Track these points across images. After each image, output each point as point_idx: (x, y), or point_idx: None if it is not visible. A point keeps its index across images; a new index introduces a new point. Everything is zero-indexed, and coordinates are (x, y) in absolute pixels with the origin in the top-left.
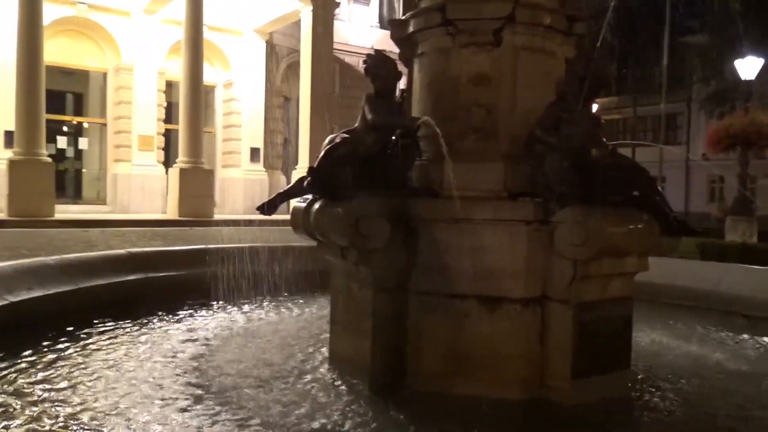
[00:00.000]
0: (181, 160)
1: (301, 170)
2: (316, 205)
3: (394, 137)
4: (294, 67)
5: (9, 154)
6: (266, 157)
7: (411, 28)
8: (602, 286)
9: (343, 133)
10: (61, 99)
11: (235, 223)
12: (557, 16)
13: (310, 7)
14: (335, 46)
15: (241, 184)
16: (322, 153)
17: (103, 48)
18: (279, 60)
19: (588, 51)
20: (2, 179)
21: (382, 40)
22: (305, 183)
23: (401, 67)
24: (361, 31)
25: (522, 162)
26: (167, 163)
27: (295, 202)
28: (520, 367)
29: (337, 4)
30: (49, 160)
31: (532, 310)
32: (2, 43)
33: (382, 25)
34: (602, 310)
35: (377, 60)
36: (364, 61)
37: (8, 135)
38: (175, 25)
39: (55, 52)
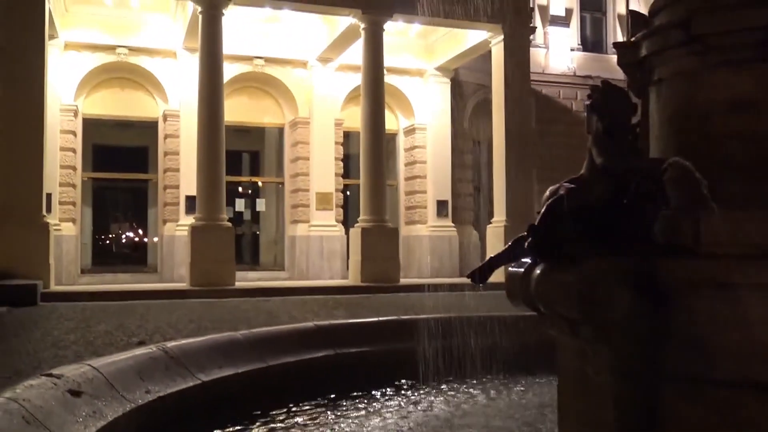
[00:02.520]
0: (363, 218)
1: (496, 224)
2: (538, 270)
3: (630, 183)
4: (483, 106)
5: (190, 220)
6: (455, 211)
7: (644, 51)
8: None
9: (567, 182)
10: (237, 159)
11: (428, 288)
12: None
13: (501, 37)
14: (531, 76)
15: (427, 242)
16: (544, 208)
17: (279, 102)
18: (466, 99)
19: None
20: (184, 247)
21: (586, 65)
22: (526, 244)
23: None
24: (560, 57)
25: None
26: (347, 222)
27: (510, 266)
28: None
29: (533, 30)
30: (230, 225)
31: None
32: (185, 107)
33: (585, 47)
34: None
35: (606, 92)
36: (589, 95)
37: (190, 200)
38: (352, 72)
39: (232, 110)
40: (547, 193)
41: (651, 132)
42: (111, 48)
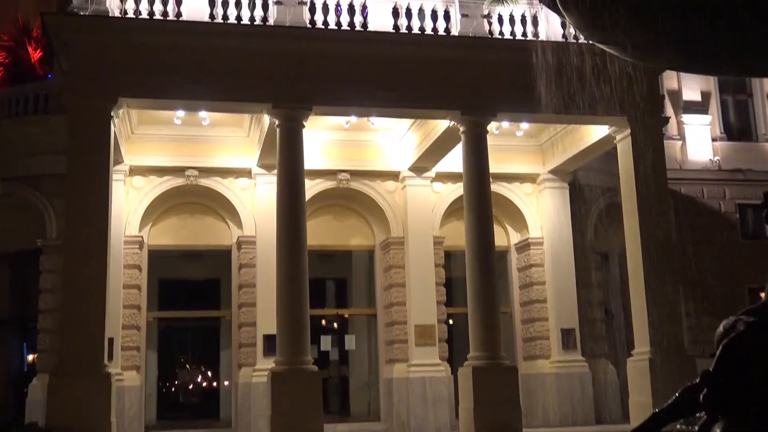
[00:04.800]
0: (473, 355)
1: (638, 357)
2: (718, 430)
3: None
4: (611, 213)
5: (269, 363)
6: (584, 341)
7: None
8: None
9: (745, 314)
10: (321, 288)
11: None
12: None
13: (627, 131)
14: (667, 173)
15: (552, 381)
16: (720, 350)
17: (367, 220)
18: (589, 205)
19: None
20: (262, 396)
21: (732, 157)
22: (701, 396)
23: None
24: (699, 149)
25: None
26: (453, 359)
27: (680, 425)
28: None
29: (666, 120)
30: (315, 368)
31: None
32: (262, 232)
33: (729, 135)
34: None
35: None
36: (764, 203)
37: (268, 340)
38: (452, 182)
39: (314, 233)
40: (721, 328)
41: None
42: (180, 170)
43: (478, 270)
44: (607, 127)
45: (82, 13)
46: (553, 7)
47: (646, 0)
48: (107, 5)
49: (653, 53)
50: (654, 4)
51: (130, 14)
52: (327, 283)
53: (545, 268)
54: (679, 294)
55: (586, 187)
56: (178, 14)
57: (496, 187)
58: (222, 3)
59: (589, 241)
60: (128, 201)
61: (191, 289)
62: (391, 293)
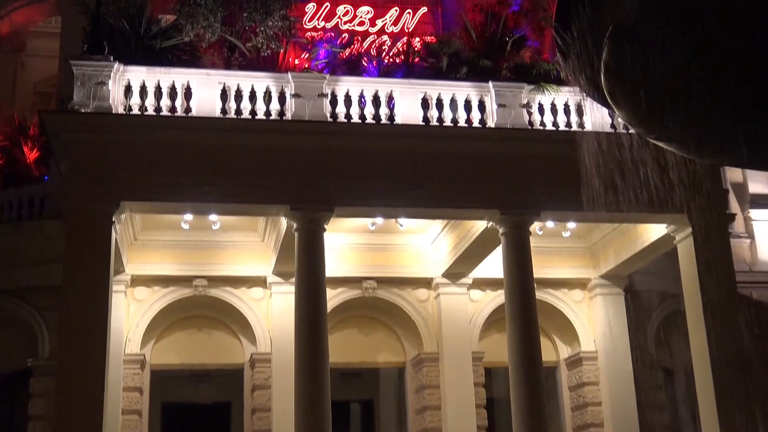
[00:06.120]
0: None
1: None
2: None
3: None
4: (674, 322)
5: None
6: None
7: None
8: None
9: None
10: (344, 411)
11: None
12: None
13: (688, 230)
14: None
15: None
16: None
17: (397, 334)
18: (648, 314)
19: None
20: None
21: None
22: None
23: None
24: None
25: None
26: None
27: None
28: None
29: (732, 217)
30: None
31: None
32: (279, 348)
33: None
34: None
35: None
36: None
37: None
38: (491, 289)
39: (337, 348)
40: None
41: None
42: (187, 280)
43: (524, 390)
44: (665, 225)
45: (83, 110)
46: (601, 99)
47: (710, 93)
48: (111, 101)
49: (717, 151)
50: (719, 97)
51: (135, 110)
52: (352, 406)
53: (601, 387)
54: (755, 416)
55: (643, 294)
56: (187, 109)
57: (541, 294)
58: (235, 96)
59: (650, 356)
60: (129, 315)
61: (199, 414)
62: (424, 417)
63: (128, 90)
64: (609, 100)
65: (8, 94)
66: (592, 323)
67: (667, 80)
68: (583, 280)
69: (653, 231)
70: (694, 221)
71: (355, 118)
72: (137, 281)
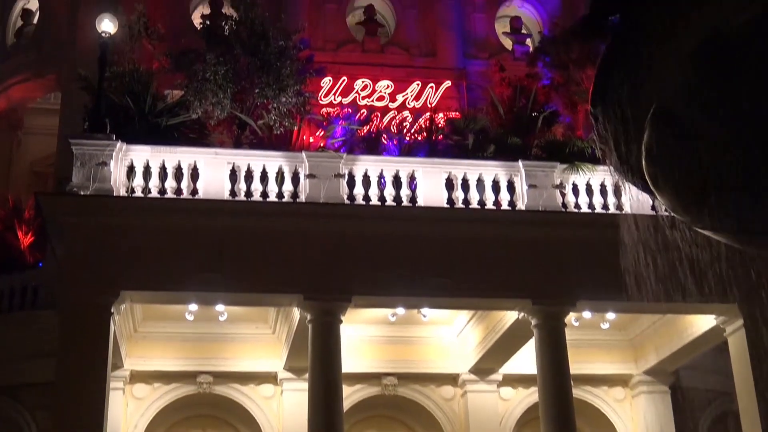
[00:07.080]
0: None
1: None
2: None
3: None
4: (728, 423)
5: None
6: None
7: None
8: None
9: None
10: None
11: None
12: None
13: (739, 321)
14: None
15: None
16: None
17: None
18: (697, 414)
19: None
20: None
21: None
22: None
23: None
24: None
25: None
26: None
27: None
28: None
29: None
30: None
31: None
32: None
33: None
34: None
35: None
36: None
37: None
38: (523, 386)
39: None
40: None
41: None
42: (191, 376)
43: None
44: (713, 316)
45: (82, 193)
46: (642, 185)
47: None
48: (112, 183)
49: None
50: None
51: (138, 193)
52: None
53: None
54: None
55: (692, 391)
56: (194, 191)
57: (579, 392)
58: (245, 177)
59: None
60: (127, 415)
61: None
62: None
63: (131, 170)
64: (651, 186)
65: (3, 173)
66: (635, 424)
67: (714, 166)
68: (624, 376)
69: (701, 322)
70: (744, 311)
71: (374, 201)
72: (137, 377)
